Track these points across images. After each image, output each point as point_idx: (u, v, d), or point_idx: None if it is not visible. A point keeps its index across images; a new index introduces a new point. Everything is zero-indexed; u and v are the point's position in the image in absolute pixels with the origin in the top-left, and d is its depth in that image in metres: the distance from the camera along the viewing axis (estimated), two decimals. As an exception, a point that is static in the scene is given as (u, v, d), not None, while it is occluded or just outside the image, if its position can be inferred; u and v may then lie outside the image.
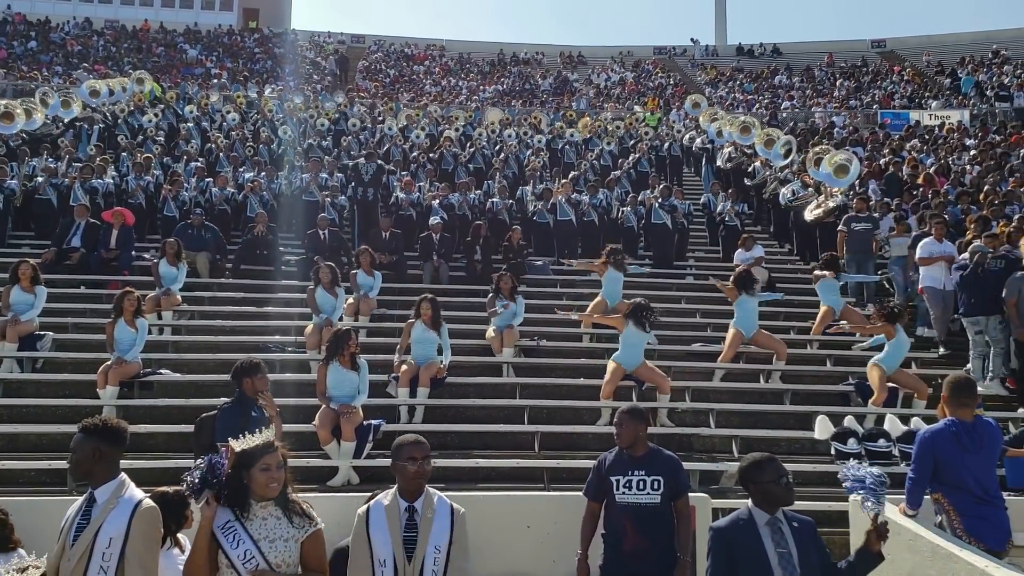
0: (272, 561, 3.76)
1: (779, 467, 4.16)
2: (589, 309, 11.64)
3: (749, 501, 4.25)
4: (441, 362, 9.51)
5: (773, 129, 19.39)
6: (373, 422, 8.42)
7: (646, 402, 9.33)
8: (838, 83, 39.41)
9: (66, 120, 19.43)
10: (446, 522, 4.13)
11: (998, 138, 23.32)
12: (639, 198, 15.85)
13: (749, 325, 10.72)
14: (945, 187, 17.04)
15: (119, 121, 20.53)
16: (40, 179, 14.49)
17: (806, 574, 4.05)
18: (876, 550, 4.19)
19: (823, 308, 11.95)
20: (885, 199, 15.79)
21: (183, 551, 4.99)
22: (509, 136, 21.60)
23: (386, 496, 4.20)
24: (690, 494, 5.70)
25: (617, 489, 5.08)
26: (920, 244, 11.96)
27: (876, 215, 14.05)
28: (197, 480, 3.74)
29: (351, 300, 11.19)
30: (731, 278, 11.10)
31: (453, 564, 4.08)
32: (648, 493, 5.04)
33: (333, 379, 8.32)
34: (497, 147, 20.54)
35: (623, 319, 9.66)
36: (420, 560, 4.02)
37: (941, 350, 11.63)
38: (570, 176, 17.25)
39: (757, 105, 35.39)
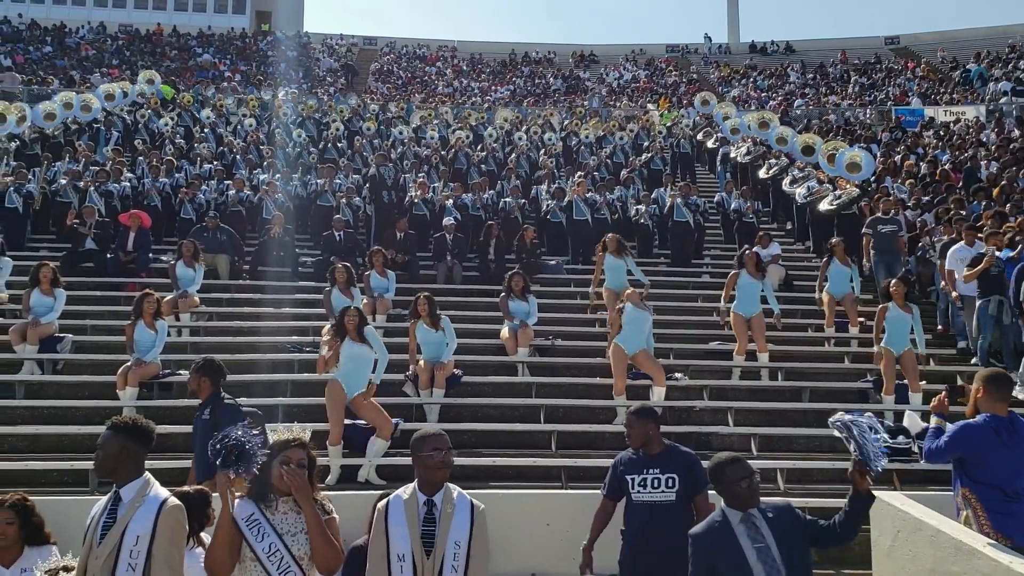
0: (296, 554, 3.81)
1: (740, 468, 4.17)
2: (608, 310, 11.62)
3: (722, 502, 4.26)
4: (443, 360, 9.48)
5: (786, 127, 19.29)
6: (392, 420, 8.44)
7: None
8: (852, 80, 39.21)
9: (83, 123, 19.57)
10: (466, 517, 4.09)
11: (1016, 133, 23.14)
12: (652, 195, 15.82)
13: (748, 308, 10.66)
14: (962, 183, 16.94)
15: (139, 126, 20.67)
16: (63, 181, 14.60)
17: (788, 564, 4.05)
18: (864, 488, 4.18)
19: (825, 297, 11.92)
20: (901, 197, 15.67)
21: (205, 548, 5.03)
22: (519, 137, 21.62)
23: (405, 490, 4.18)
24: (709, 491, 5.69)
25: (633, 488, 5.14)
26: (949, 252, 11.36)
27: (901, 217, 13.75)
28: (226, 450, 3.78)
29: (366, 301, 11.21)
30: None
31: (474, 561, 4.04)
32: (663, 491, 5.07)
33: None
34: (509, 148, 20.57)
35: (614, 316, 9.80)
36: (440, 556, 3.98)
37: (974, 360, 10.94)
38: (586, 174, 17.17)
39: (771, 102, 35.27)
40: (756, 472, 4.22)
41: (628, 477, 5.16)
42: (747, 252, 11.08)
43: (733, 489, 4.15)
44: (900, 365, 9.80)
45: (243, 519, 3.82)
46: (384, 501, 4.18)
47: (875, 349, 10.02)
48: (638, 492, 5.10)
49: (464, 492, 4.24)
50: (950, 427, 5.39)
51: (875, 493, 4.27)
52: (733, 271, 10.96)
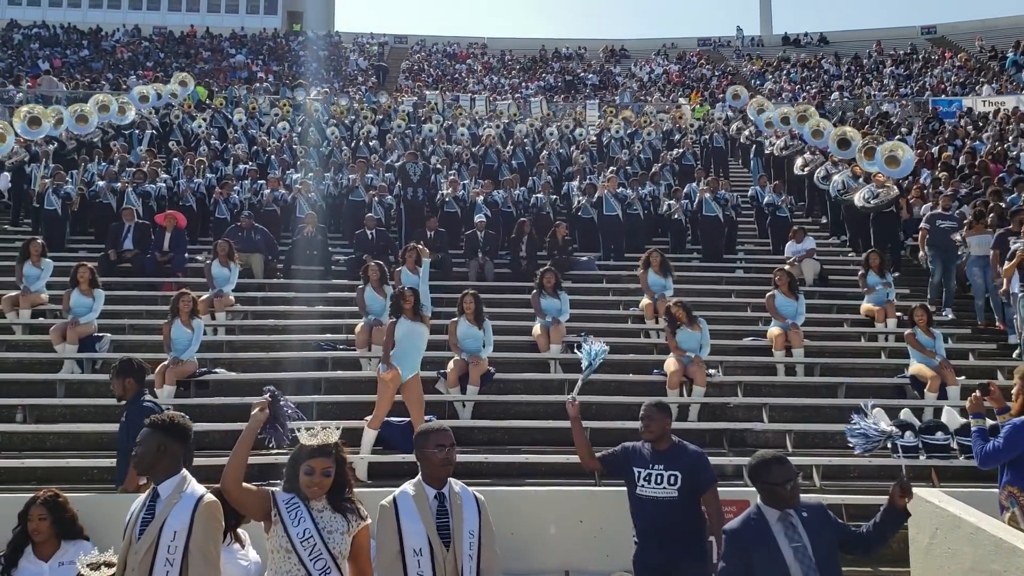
0: (332, 550, 3.85)
1: (787, 469, 4.15)
2: (644, 307, 11.63)
3: (758, 498, 4.24)
4: (482, 355, 9.56)
5: (823, 120, 19.03)
6: (424, 417, 8.47)
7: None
8: (887, 71, 38.66)
9: (118, 126, 19.85)
10: (473, 506, 4.15)
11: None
12: (684, 190, 15.73)
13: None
14: (1001, 174, 16.64)
15: (174, 127, 20.92)
16: (101, 184, 14.84)
17: (822, 564, 4.03)
18: (901, 506, 4.19)
19: (865, 308, 11.97)
20: (940, 188, 15.41)
21: (243, 546, 5.10)
22: (551, 133, 21.57)
23: (411, 486, 4.18)
24: (742, 489, 5.64)
25: (638, 481, 5.16)
26: (1011, 251, 10.93)
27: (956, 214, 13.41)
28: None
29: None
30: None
31: (486, 548, 4.08)
32: (664, 488, 5.08)
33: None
34: (540, 144, 20.54)
35: (670, 336, 9.85)
36: (459, 547, 4.01)
37: (1016, 353, 10.87)
38: (617, 170, 17.10)
39: (804, 95, 34.87)
40: (799, 473, 4.20)
41: (635, 469, 5.19)
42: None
43: (775, 491, 4.13)
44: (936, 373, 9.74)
45: (283, 501, 3.89)
46: (391, 498, 4.15)
47: (910, 369, 9.98)
48: (642, 486, 5.13)
49: (462, 483, 4.27)
50: (1003, 427, 5.32)
51: (910, 509, 4.30)
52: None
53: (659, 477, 5.09)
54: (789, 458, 4.30)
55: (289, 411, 4.18)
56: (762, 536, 4.08)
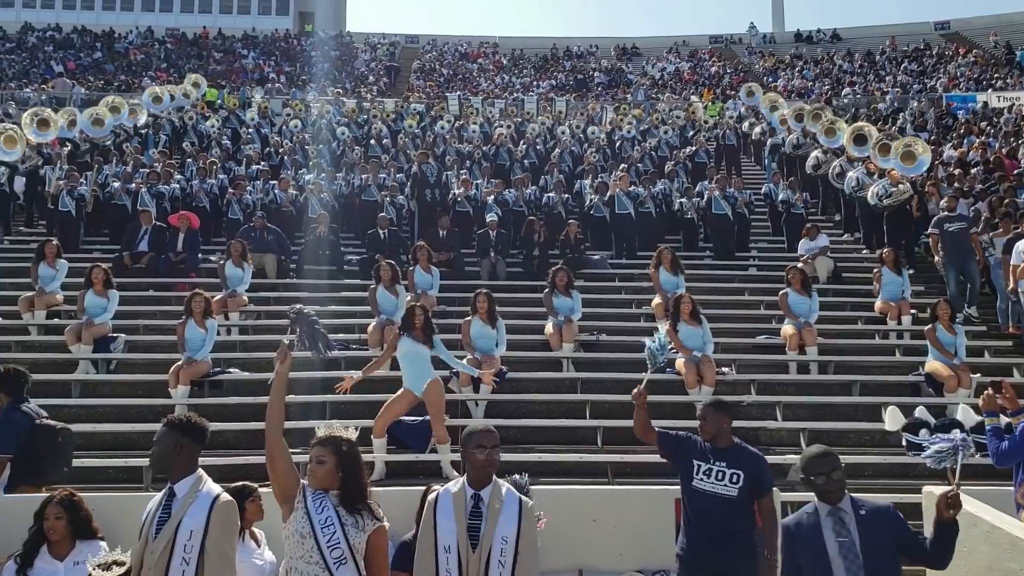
0: (350, 543, 3.86)
1: (821, 463, 4.17)
2: (656, 306, 11.63)
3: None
4: (495, 354, 9.60)
5: (837, 118, 18.90)
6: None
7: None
8: (901, 67, 38.44)
9: (130, 128, 19.94)
10: (514, 513, 4.12)
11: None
12: (696, 188, 15.68)
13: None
14: (1017, 171, 16.51)
15: (187, 128, 21.00)
16: (116, 185, 14.92)
17: (872, 563, 4.00)
18: (946, 518, 4.12)
19: (879, 305, 11.88)
20: (955, 184, 15.30)
21: (258, 545, 5.12)
22: (563, 132, 21.55)
23: (455, 484, 4.23)
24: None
25: (696, 474, 5.09)
26: (1015, 247, 10.87)
27: (968, 213, 13.22)
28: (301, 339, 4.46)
29: (411, 297, 11.26)
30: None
31: (523, 557, 4.05)
32: (726, 484, 5.02)
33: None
34: (552, 143, 20.52)
35: (671, 328, 9.73)
36: (487, 550, 4.00)
37: None
38: (629, 167, 17.05)
39: (817, 92, 34.71)
40: (837, 469, 4.18)
41: (695, 462, 5.13)
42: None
43: (809, 482, 4.19)
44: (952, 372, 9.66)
45: (311, 492, 3.93)
46: (434, 494, 4.24)
47: (926, 367, 9.90)
48: (700, 480, 5.07)
49: (512, 488, 4.26)
50: (1019, 426, 5.29)
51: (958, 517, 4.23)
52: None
53: (720, 474, 5.03)
54: (803, 456, 4.31)
55: (314, 326, 4.36)
56: (811, 530, 4.14)
